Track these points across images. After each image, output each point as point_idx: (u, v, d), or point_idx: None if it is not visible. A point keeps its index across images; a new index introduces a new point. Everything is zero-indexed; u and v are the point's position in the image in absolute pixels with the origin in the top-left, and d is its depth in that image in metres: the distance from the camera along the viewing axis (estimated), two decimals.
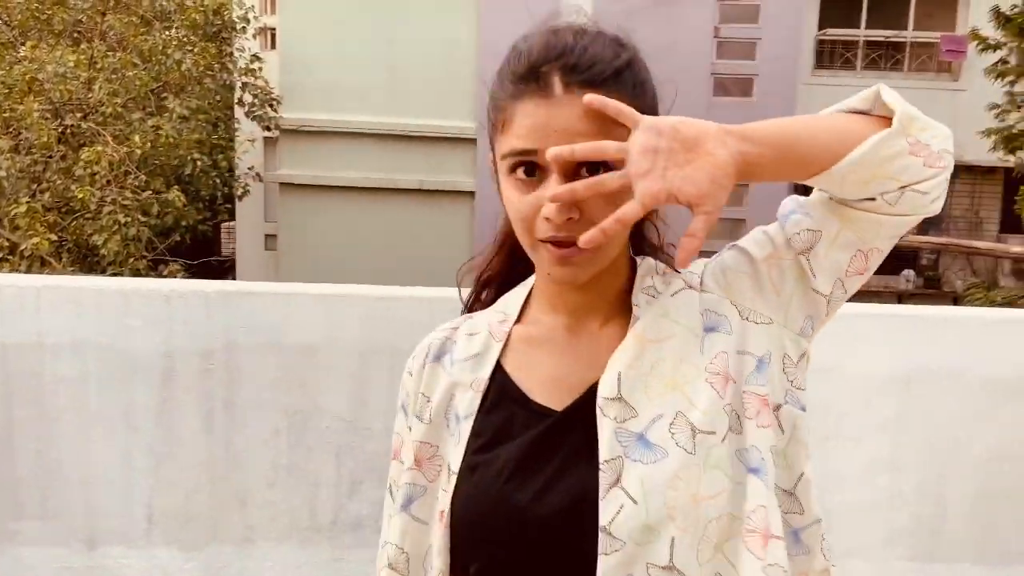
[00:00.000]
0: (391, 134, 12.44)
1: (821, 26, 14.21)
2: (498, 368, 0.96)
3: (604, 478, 0.85)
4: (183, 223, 10.26)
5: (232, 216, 13.85)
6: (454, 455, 0.95)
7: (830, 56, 14.39)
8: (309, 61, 12.14)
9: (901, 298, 13.20)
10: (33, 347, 2.58)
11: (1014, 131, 10.31)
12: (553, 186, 0.82)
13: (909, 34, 14.18)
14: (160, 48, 10.18)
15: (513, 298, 1.02)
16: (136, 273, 9.13)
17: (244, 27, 11.69)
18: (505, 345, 0.97)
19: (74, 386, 2.60)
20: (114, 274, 9.19)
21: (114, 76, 10.10)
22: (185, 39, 10.30)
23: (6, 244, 9.07)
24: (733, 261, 0.94)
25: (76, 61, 10.16)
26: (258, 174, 12.24)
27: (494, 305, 1.03)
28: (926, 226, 13.98)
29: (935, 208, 0.91)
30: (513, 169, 0.87)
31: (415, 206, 12.55)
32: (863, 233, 0.91)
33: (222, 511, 2.67)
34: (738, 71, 13.47)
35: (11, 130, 9.86)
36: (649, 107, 0.89)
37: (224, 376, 2.62)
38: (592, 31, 0.90)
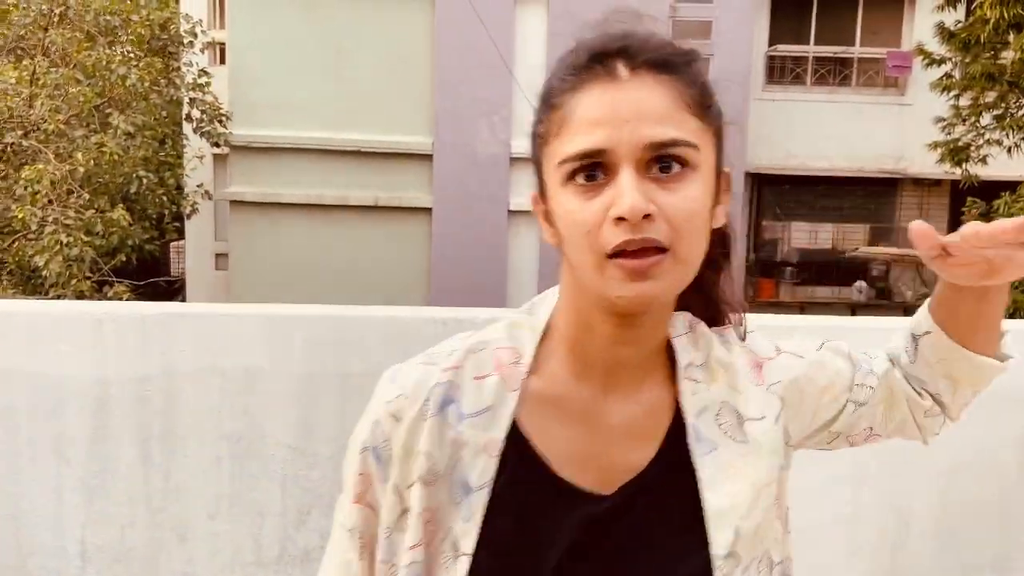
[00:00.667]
0: (345, 150, 12.29)
1: (771, 42, 14.44)
2: (514, 427, 0.82)
3: None
4: (129, 243, 9.98)
5: (181, 235, 13.55)
6: (464, 532, 0.80)
7: (780, 71, 14.63)
8: (259, 76, 11.95)
9: (853, 309, 13.41)
10: None
11: (960, 144, 10.54)
12: (627, 181, 0.72)
13: (856, 50, 14.48)
14: (104, 63, 9.94)
15: (526, 333, 0.86)
16: (80, 295, 8.84)
17: (191, 41, 11.48)
18: (519, 396, 0.83)
19: (2, 415, 2.45)
20: (57, 296, 8.89)
21: (56, 92, 9.83)
22: (130, 54, 10.06)
23: None
24: (806, 378, 0.91)
25: (17, 77, 9.86)
26: (207, 192, 11.98)
27: (497, 329, 0.87)
28: (876, 239, 14.23)
29: (929, 441, 1.01)
30: (572, 176, 0.76)
31: (370, 223, 12.39)
32: (887, 417, 0.96)
33: (161, 546, 2.53)
34: None
35: None
36: (716, 111, 0.81)
37: (162, 403, 2.49)
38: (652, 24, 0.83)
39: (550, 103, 0.79)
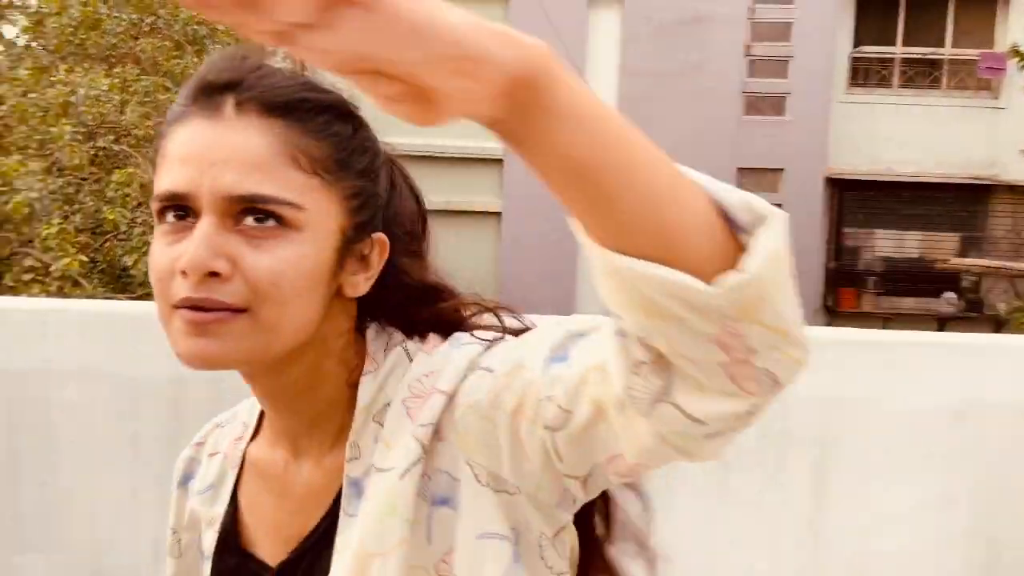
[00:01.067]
0: (418, 155, 12.44)
1: (856, 44, 14.01)
2: (234, 500, 0.83)
3: None
4: None
5: None
6: None
7: (865, 74, 14.18)
8: (333, 82, 12.22)
9: (942, 321, 12.86)
10: (39, 373, 2.52)
11: None
12: (204, 229, 0.66)
13: (947, 51, 13.93)
14: (192, 72, 10.29)
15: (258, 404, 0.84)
16: None
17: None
18: (241, 468, 0.84)
19: (81, 414, 2.53)
20: (144, 295, 9.25)
21: (147, 99, 10.21)
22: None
23: (38, 265, 9.16)
24: (490, 400, 0.67)
25: (109, 84, 10.29)
26: None
27: (249, 399, 0.87)
28: (967, 248, 13.64)
29: (708, 455, 0.57)
30: (161, 215, 0.69)
31: (441, 226, 12.28)
32: (618, 435, 0.60)
33: None
34: (770, 90, 13.30)
35: (45, 152, 10.01)
36: (359, 170, 0.75)
37: (234, 403, 2.53)
38: (297, 66, 0.75)
39: (162, 131, 0.72)
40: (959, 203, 13.71)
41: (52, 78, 10.61)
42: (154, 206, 0.70)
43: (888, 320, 12.96)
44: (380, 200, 0.77)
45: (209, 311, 0.66)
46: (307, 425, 0.77)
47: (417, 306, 0.79)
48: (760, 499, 2.56)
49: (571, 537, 0.73)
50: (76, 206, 9.95)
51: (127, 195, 9.45)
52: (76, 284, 9.32)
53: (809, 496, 2.56)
